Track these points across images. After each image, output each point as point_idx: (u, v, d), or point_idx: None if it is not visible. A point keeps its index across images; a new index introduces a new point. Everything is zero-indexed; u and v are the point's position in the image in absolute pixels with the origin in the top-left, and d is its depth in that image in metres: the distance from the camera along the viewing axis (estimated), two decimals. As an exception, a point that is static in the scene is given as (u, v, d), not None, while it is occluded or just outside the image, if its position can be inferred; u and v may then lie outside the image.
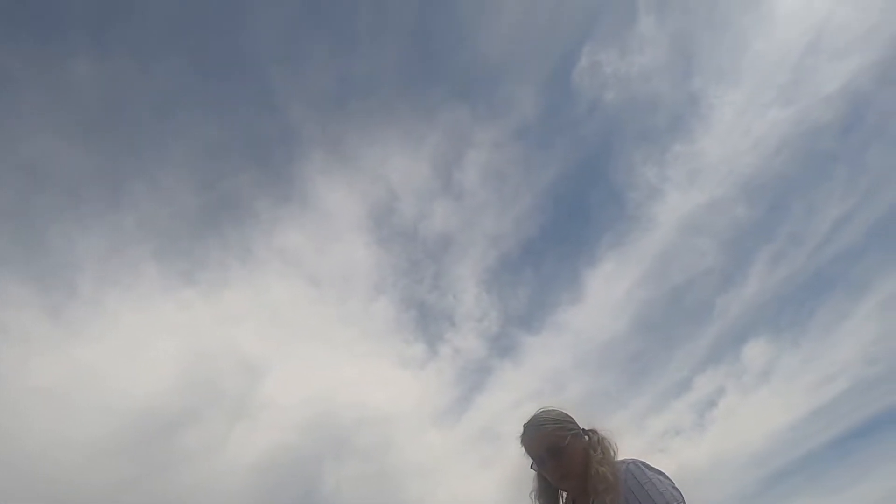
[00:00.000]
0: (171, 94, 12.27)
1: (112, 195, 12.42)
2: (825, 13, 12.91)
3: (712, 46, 13.57)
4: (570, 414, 1.97)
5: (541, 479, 1.98)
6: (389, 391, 14.50)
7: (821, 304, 13.54)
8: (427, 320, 15.02)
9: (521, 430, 1.96)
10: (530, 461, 1.94)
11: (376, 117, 14.31)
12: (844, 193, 13.20)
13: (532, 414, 1.96)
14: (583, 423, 1.97)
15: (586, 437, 1.94)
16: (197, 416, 12.59)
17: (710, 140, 13.91)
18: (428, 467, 12.98)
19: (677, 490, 1.77)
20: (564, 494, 1.99)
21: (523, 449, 1.96)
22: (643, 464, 1.83)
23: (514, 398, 13.71)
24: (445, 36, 13.74)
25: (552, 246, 15.15)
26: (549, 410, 1.96)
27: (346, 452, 13.00)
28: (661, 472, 1.80)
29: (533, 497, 2.00)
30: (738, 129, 13.91)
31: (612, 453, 1.89)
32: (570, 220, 15.10)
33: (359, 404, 13.77)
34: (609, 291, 14.28)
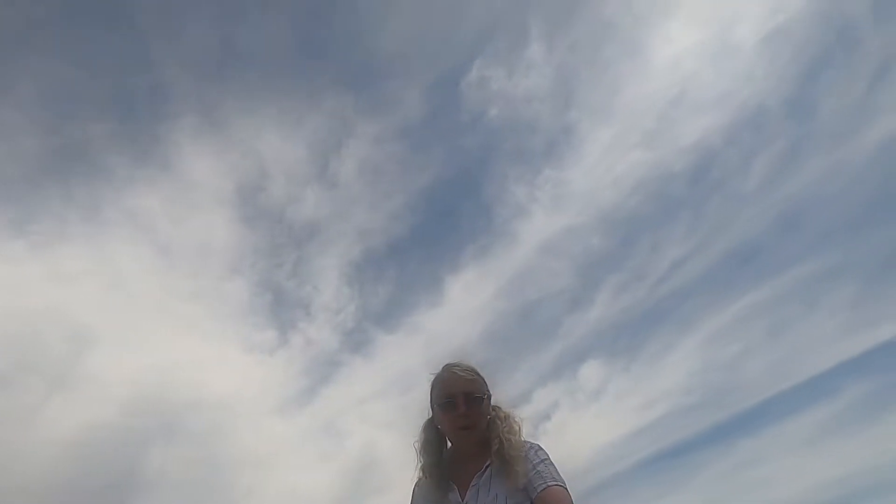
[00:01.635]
0: (29, 31, 11.01)
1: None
2: (691, 72, 14.53)
3: (591, 84, 14.90)
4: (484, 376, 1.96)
5: (430, 429, 1.94)
6: (231, 375, 13.70)
7: (652, 335, 15.13)
8: (282, 307, 14.27)
9: (442, 369, 1.91)
10: (436, 402, 1.89)
11: (257, 90, 13.61)
12: (684, 238, 14.86)
13: (455, 359, 1.93)
14: (502, 371, 1.99)
15: (492, 410, 1.91)
16: (7, 380, 11.02)
17: (578, 170, 15.09)
18: (262, 457, 12.40)
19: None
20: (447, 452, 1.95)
21: (438, 387, 1.90)
22: (536, 445, 1.85)
23: (360, 395, 13.83)
24: (341, 23, 13.51)
25: (418, 248, 15.40)
26: (472, 365, 1.92)
27: (177, 435, 12.17)
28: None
29: (417, 447, 1.93)
30: (603, 164, 15.13)
31: (517, 429, 1.86)
32: (439, 225, 15.48)
33: (196, 386, 12.90)
34: (467, 299, 14.78)
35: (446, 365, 1.89)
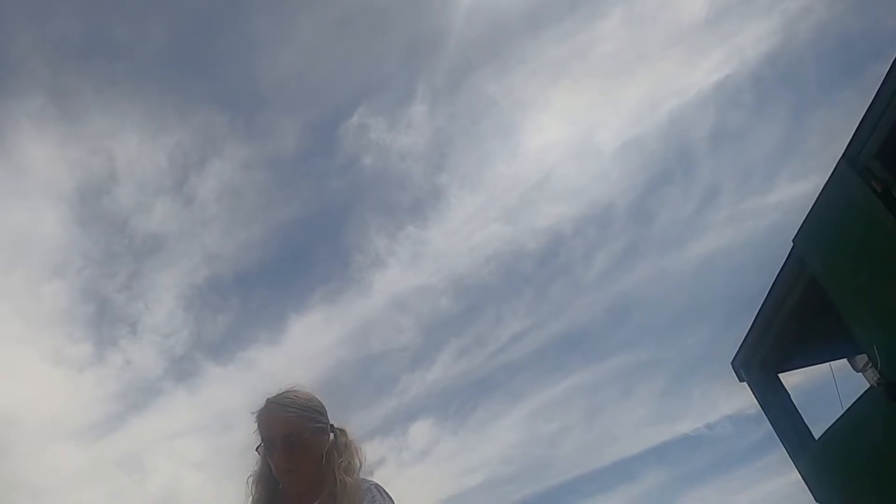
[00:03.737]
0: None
1: None
2: (554, 163, 15.89)
3: (464, 153, 15.51)
4: (322, 403, 1.70)
5: (265, 463, 1.67)
6: (26, 387, 12.28)
7: (483, 403, 15.64)
8: (104, 321, 13.26)
9: (263, 404, 1.65)
10: (258, 442, 1.63)
11: (122, 87, 12.72)
12: (525, 314, 15.67)
13: (280, 391, 1.66)
14: (334, 418, 1.70)
15: (332, 436, 1.66)
16: None
17: (439, 232, 15.56)
18: (45, 486, 10.78)
19: None
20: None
21: (256, 426, 1.64)
22: (385, 491, 1.62)
23: (175, 429, 13.20)
24: (230, 40, 13.43)
25: (267, 281, 15.28)
26: (300, 392, 1.66)
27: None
28: None
29: (250, 482, 1.68)
30: (463, 230, 15.82)
31: (358, 464, 1.63)
32: (293, 261, 15.51)
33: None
34: (309, 342, 14.68)
35: (268, 399, 1.65)
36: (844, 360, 5.67)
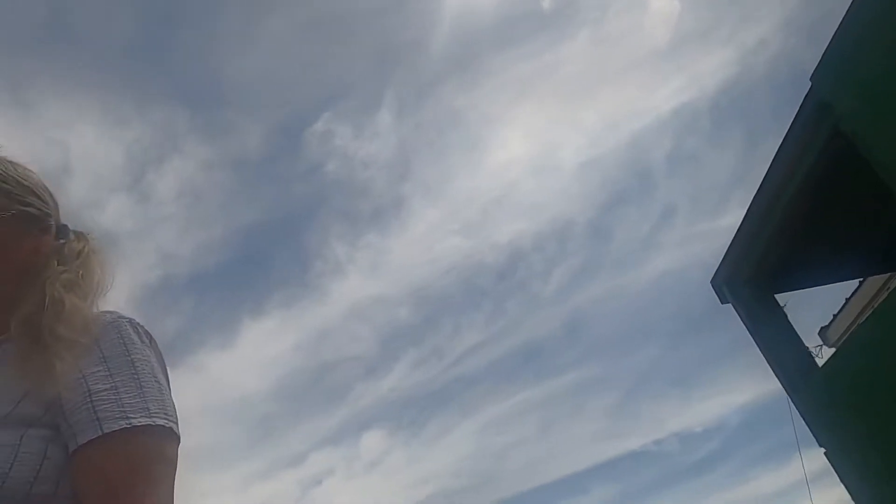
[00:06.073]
0: None
1: None
2: (516, 178, 15.89)
3: (428, 164, 15.45)
4: (43, 184, 1.02)
5: None
6: None
7: (437, 414, 15.95)
8: None
9: None
10: None
11: (80, 76, 12.27)
12: (483, 327, 15.87)
13: None
14: (69, 218, 1.06)
15: (55, 235, 1.01)
16: None
17: (399, 242, 15.52)
18: None
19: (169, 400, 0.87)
20: None
21: None
22: (140, 326, 0.93)
23: None
24: (195, 35, 13.03)
25: (223, 285, 15.19)
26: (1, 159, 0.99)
27: None
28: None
29: None
30: (424, 241, 15.85)
31: (96, 284, 0.97)
32: (250, 265, 15.52)
33: None
34: (262, 348, 14.61)
35: None
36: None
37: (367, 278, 15.54)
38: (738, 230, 4.01)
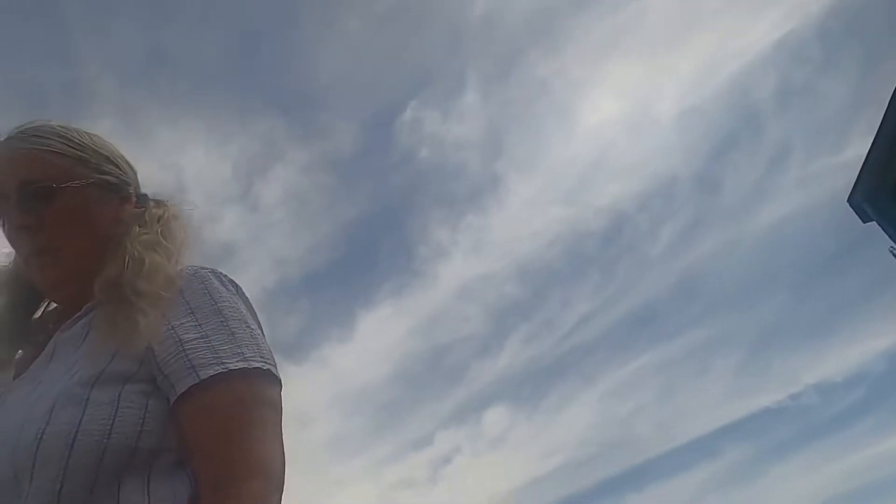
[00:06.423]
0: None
1: None
2: (610, 140, 15.55)
3: (519, 139, 15.76)
4: (119, 153, 1.02)
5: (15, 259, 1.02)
6: None
7: (555, 386, 15.87)
8: None
9: None
10: None
11: (183, 102, 13.42)
12: (593, 295, 15.83)
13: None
14: (150, 188, 1.05)
15: (135, 202, 1.01)
16: None
17: (499, 219, 15.89)
18: None
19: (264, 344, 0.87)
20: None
21: None
22: (224, 275, 0.94)
23: None
24: (281, 46, 14.06)
25: (335, 281, 15.91)
26: (66, 127, 0.97)
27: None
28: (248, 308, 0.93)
29: None
30: (523, 215, 16.30)
31: (178, 244, 0.97)
32: (358, 260, 16.17)
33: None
34: (379, 337, 15.04)
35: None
36: None
37: (471, 259, 15.60)
38: (876, 138, 3.97)
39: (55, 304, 1.01)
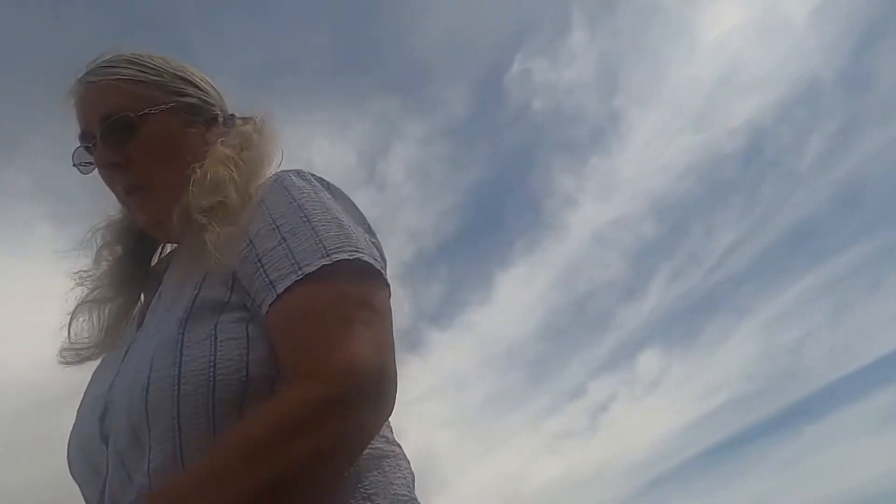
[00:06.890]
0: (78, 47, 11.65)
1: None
2: (737, 51, 13.59)
3: (636, 69, 13.77)
4: (199, 74, 0.95)
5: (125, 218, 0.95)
6: None
7: (709, 322, 14.70)
8: None
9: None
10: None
11: (301, 99, 13.30)
12: (738, 221, 14.17)
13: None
14: (240, 108, 0.98)
15: (220, 121, 0.93)
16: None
17: (625, 158, 14.24)
18: None
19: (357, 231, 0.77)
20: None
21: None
22: (309, 173, 0.84)
23: (417, 395, 14.18)
24: (378, 28, 14.10)
25: (467, 246, 15.04)
26: (138, 53, 0.90)
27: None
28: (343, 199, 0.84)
29: (98, 240, 0.95)
30: (650, 150, 14.24)
31: (258, 156, 0.88)
32: (487, 221, 15.06)
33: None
34: (518, 295, 14.49)
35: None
36: None
37: (601, 203, 14.55)
38: None
39: (171, 245, 0.95)
